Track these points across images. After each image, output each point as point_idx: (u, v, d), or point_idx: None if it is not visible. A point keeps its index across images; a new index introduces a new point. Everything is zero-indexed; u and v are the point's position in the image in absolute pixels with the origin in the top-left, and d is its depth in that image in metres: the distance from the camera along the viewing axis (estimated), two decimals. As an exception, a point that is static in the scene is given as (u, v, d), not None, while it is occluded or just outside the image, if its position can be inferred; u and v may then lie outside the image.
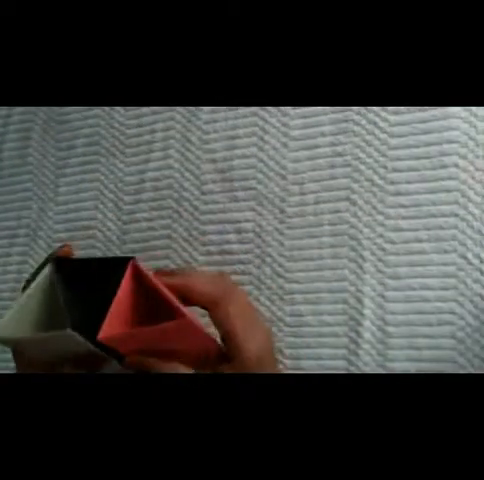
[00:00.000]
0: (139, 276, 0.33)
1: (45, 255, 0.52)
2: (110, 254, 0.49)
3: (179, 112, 0.49)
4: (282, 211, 0.45)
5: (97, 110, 0.52)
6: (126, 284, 0.33)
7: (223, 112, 0.47)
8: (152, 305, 0.34)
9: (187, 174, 0.48)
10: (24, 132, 0.54)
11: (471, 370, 0.39)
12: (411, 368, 0.40)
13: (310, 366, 0.43)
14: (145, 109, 0.50)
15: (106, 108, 0.52)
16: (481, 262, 0.39)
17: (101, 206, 0.51)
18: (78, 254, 0.51)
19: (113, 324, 0.32)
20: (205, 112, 0.48)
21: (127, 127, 0.51)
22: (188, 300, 0.34)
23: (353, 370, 0.42)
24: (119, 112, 0.51)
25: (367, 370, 0.41)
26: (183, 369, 0.33)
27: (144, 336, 0.33)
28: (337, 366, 0.42)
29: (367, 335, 0.42)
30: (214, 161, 0.47)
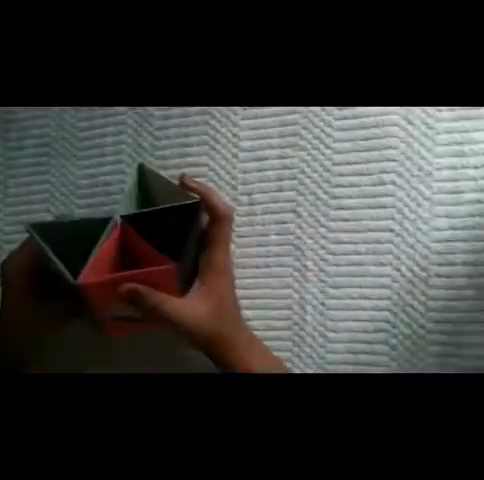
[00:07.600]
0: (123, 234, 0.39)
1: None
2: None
3: (130, 116, 0.49)
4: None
5: (46, 111, 0.51)
6: (110, 241, 0.38)
7: (175, 119, 0.48)
8: (129, 262, 0.39)
9: (139, 180, 0.49)
10: (-30, 129, 0.53)
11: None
12: (348, 371, 0.44)
13: (256, 367, 0.46)
14: (96, 111, 0.50)
15: (55, 108, 0.51)
16: (414, 275, 0.42)
17: (52, 209, 0.51)
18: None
19: (93, 272, 0.36)
20: (157, 118, 0.48)
21: (78, 129, 0.50)
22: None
23: (295, 371, 0.45)
24: (69, 113, 0.51)
25: (308, 372, 0.45)
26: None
27: (128, 280, 0.36)
28: (281, 368, 0.45)
29: (309, 339, 0.45)
30: (166, 168, 0.48)
